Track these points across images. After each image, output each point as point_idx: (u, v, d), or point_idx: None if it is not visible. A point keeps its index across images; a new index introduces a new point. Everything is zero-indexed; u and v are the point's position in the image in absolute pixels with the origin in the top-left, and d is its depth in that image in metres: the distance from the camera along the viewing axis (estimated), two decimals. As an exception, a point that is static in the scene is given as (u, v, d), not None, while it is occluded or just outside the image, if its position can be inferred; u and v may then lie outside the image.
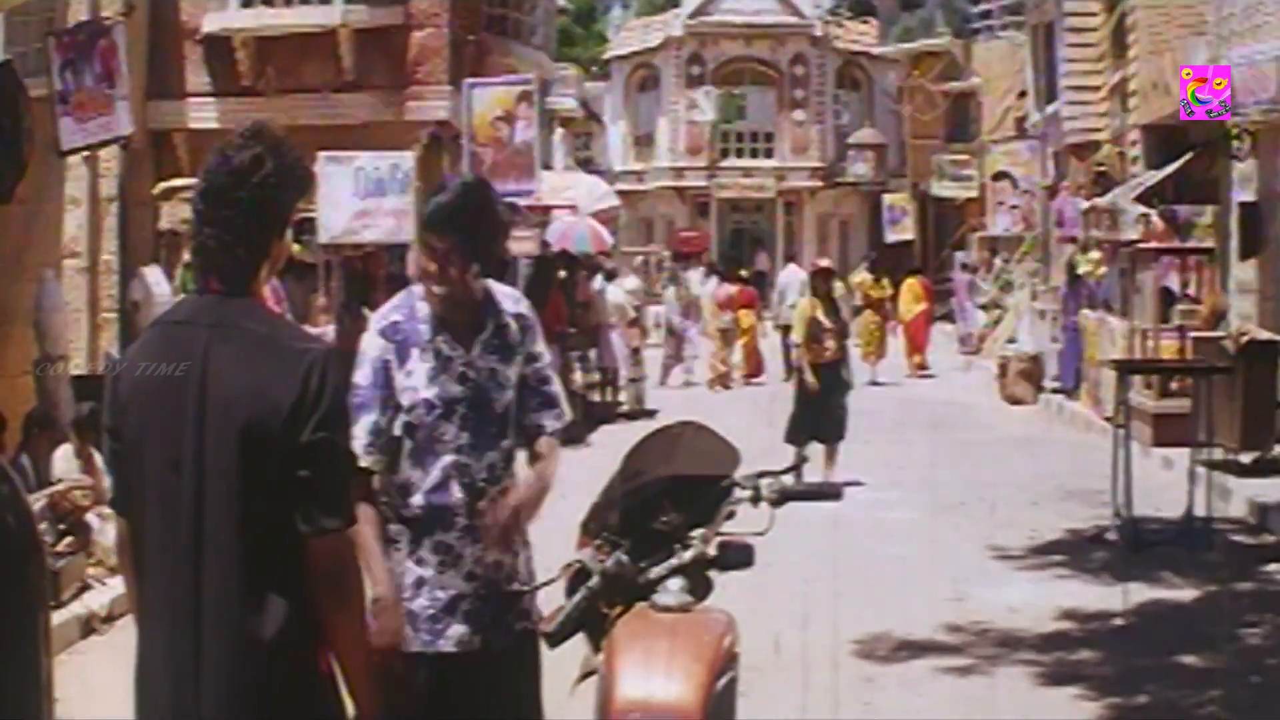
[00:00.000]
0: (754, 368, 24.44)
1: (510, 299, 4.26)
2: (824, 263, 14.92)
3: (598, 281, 20.11)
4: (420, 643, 4.02)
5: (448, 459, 4.05)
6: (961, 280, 29.90)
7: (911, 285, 26.53)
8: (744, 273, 26.62)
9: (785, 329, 23.52)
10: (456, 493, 4.05)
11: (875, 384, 22.95)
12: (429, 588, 4.04)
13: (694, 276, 28.29)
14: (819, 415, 13.30)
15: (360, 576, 3.41)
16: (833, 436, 13.33)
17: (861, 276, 26.49)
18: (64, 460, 9.64)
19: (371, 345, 4.12)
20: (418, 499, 4.06)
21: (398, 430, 4.07)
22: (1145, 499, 11.11)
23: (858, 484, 12.09)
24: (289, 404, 3.18)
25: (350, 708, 3.37)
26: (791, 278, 25.35)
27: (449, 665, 4.04)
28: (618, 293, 20.70)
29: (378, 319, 4.21)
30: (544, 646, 4.18)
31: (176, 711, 3.21)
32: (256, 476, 3.19)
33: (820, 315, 13.48)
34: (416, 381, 4.07)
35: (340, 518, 3.24)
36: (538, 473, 4.20)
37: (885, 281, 25.53)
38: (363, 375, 4.07)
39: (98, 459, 9.52)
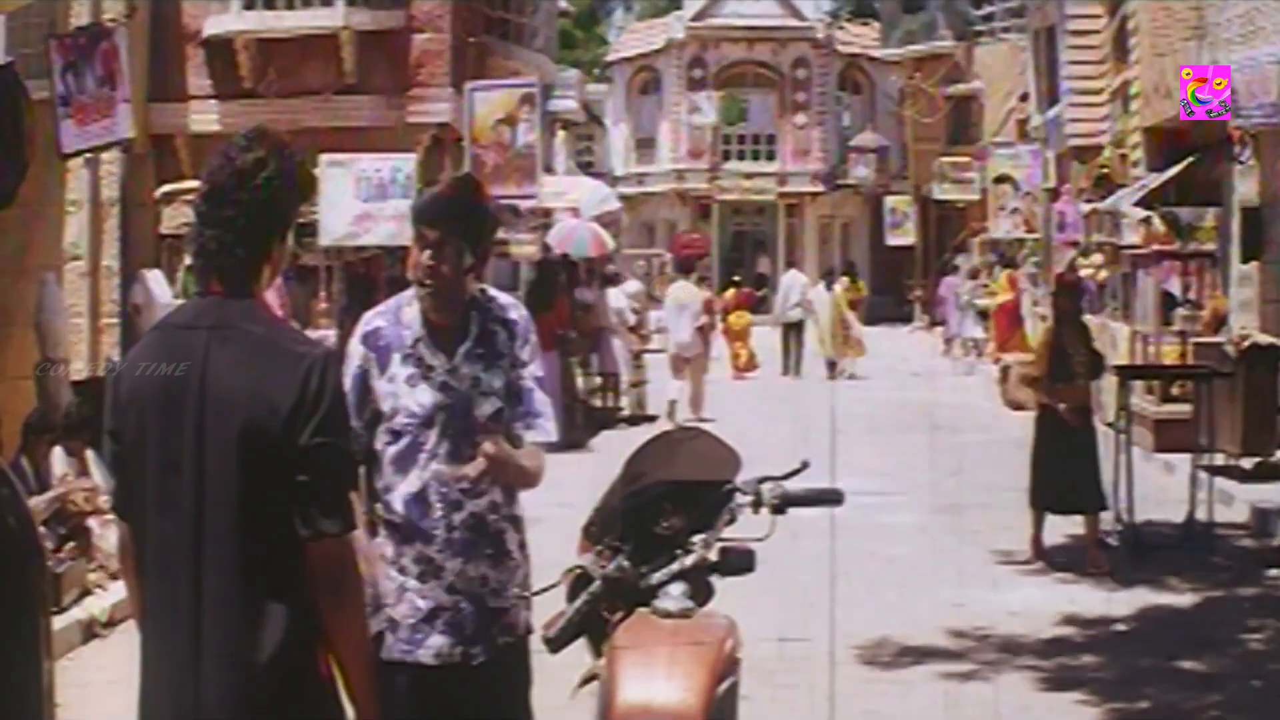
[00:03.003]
0: (748, 364, 25.83)
1: (507, 306, 4.21)
2: (1073, 276, 11.73)
3: (591, 291, 20.00)
4: (399, 650, 4.00)
5: (428, 468, 4.02)
6: (950, 284, 30.16)
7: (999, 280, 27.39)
8: (737, 278, 29.02)
9: (787, 329, 25.84)
10: (435, 504, 4.02)
11: (852, 378, 24.85)
12: (410, 595, 4.02)
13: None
14: (1068, 475, 10.41)
15: (360, 580, 3.40)
16: (1091, 505, 10.49)
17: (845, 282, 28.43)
18: (60, 462, 9.63)
19: (354, 352, 4.10)
20: (399, 507, 4.04)
21: (381, 437, 4.05)
22: (1147, 504, 11.10)
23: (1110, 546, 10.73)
24: (287, 407, 3.18)
25: (350, 712, 3.36)
26: (793, 281, 26.93)
27: (429, 677, 4.01)
28: (619, 297, 20.70)
29: (362, 325, 4.17)
30: (533, 660, 4.17)
31: (177, 715, 3.21)
32: (256, 479, 3.19)
33: (1066, 344, 10.58)
34: (398, 388, 4.04)
35: (339, 522, 3.23)
36: (524, 453, 4.06)
37: (861, 284, 28.50)
38: (344, 382, 4.04)
39: (91, 460, 9.52)
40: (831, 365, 25.14)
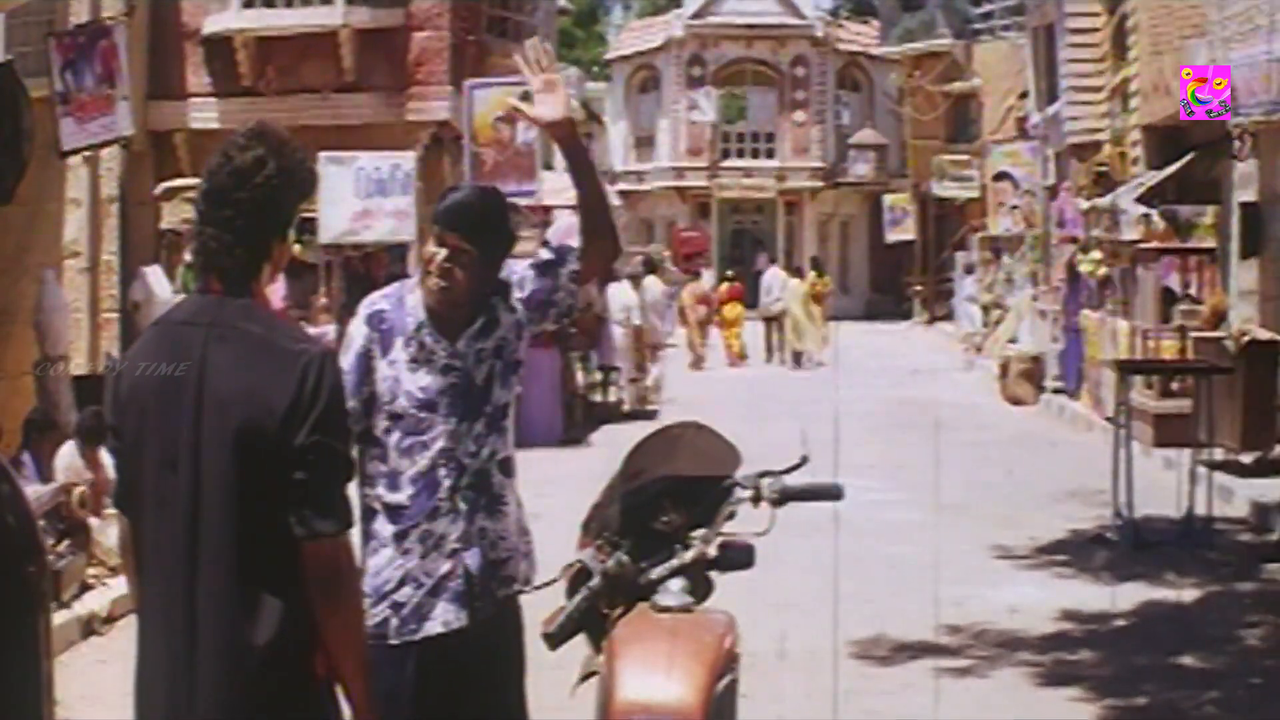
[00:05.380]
0: (739, 353, 27.99)
1: (502, 287, 4.20)
2: None
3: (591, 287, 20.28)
4: (405, 632, 4.01)
5: (434, 448, 4.04)
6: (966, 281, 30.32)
7: None
8: (730, 273, 31.24)
9: (768, 321, 28.37)
10: (443, 480, 4.03)
11: (820, 364, 26.67)
12: (414, 574, 4.03)
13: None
14: None
15: (357, 580, 3.40)
16: None
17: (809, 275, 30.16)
18: (67, 459, 9.64)
19: (357, 332, 4.12)
20: (406, 488, 4.04)
21: (381, 423, 4.06)
22: (1146, 499, 11.11)
23: None
24: (284, 405, 3.18)
25: (346, 712, 3.36)
26: (774, 277, 29.02)
27: (435, 646, 4.01)
28: (622, 292, 20.75)
29: (365, 306, 4.19)
30: (531, 649, 4.17)
31: (172, 713, 3.21)
32: (252, 478, 3.19)
33: None
34: (399, 372, 4.06)
35: (335, 521, 3.23)
36: None
37: (826, 278, 30.63)
38: (345, 361, 4.05)
39: (105, 460, 9.52)
40: (798, 355, 27.28)
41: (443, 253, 4.03)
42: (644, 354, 21.24)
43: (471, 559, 4.04)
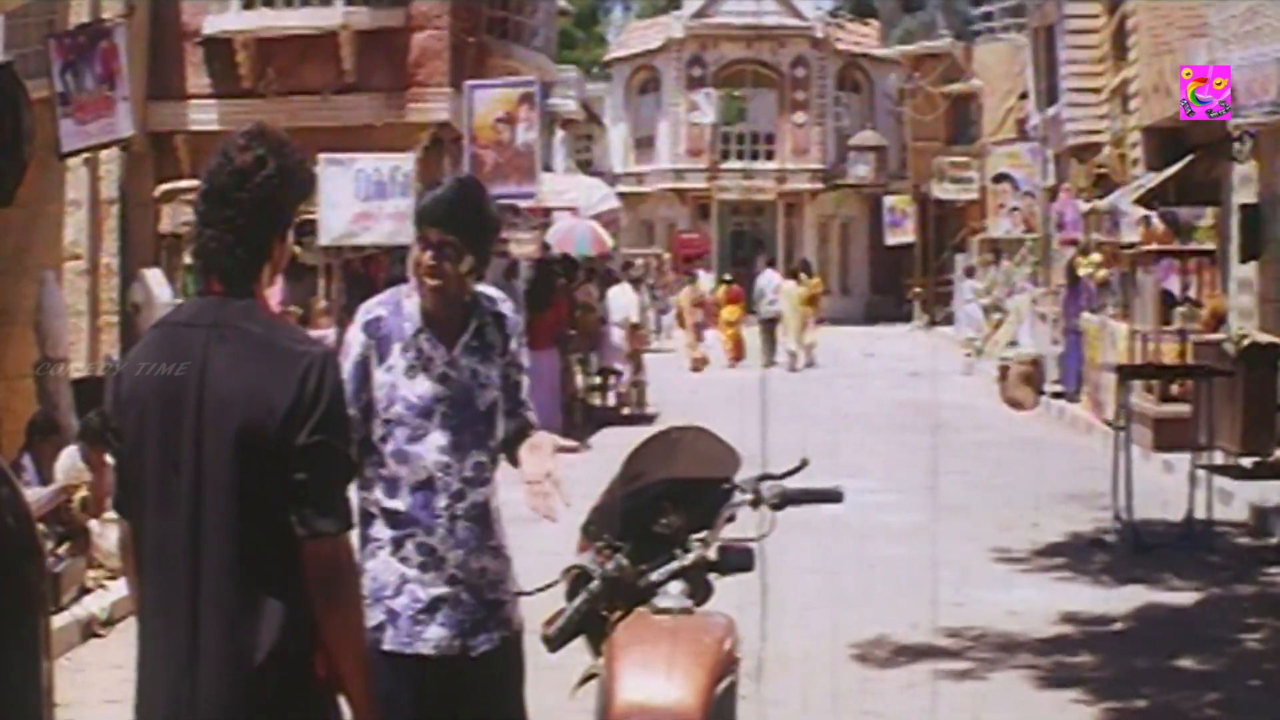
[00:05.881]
0: (737, 353, 28.25)
1: (496, 299, 4.25)
2: None
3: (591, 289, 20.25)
4: (398, 642, 4.01)
5: (430, 459, 4.04)
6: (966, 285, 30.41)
7: None
8: (728, 276, 31.44)
9: (765, 322, 28.34)
10: (439, 494, 4.03)
11: (810, 366, 27.47)
12: (411, 586, 4.02)
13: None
14: None
15: (357, 580, 3.40)
16: None
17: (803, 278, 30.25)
18: (66, 462, 9.63)
19: (354, 340, 4.12)
20: (404, 495, 4.04)
21: (378, 429, 4.07)
22: (1146, 502, 11.11)
23: None
24: (284, 406, 3.18)
25: (346, 713, 3.36)
26: (769, 280, 29.27)
27: (427, 669, 4.02)
28: (622, 294, 20.76)
29: (362, 313, 4.19)
30: (531, 659, 4.17)
31: (173, 715, 3.21)
32: (253, 478, 3.18)
33: None
34: (396, 378, 4.06)
35: (336, 521, 3.23)
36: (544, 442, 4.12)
37: (816, 279, 30.83)
38: (344, 368, 4.04)
39: (110, 462, 9.51)
40: (792, 356, 27.59)
41: (428, 253, 4.04)
42: (640, 355, 21.26)
43: (467, 597, 4.05)
